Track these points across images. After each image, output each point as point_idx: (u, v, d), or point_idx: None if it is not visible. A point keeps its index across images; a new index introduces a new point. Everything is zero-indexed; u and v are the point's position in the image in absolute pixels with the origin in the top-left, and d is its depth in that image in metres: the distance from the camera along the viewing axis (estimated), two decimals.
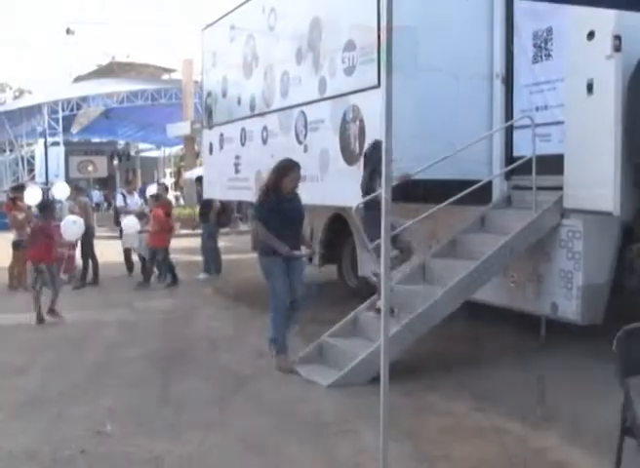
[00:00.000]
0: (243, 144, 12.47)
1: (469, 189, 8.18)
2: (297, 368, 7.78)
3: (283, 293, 8.02)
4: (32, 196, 16.00)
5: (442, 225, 9.05)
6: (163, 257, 14.37)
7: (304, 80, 10.29)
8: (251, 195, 12.37)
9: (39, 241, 11.16)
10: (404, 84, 8.21)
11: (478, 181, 8.54)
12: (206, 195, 15.00)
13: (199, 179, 18.20)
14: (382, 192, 4.80)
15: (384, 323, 4.77)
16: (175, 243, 15.87)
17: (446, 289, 7.69)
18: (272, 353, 8.07)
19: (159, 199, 15.07)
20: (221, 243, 24.21)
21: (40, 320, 10.77)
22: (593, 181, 7.37)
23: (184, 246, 19.94)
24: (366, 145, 8.49)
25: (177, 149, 53.26)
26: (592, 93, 7.28)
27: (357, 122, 9.06)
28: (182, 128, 35.22)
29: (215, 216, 15.74)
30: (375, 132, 8.65)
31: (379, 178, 7.53)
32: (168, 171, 52.27)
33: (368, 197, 7.80)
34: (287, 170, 8.07)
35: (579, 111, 7.58)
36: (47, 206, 12.10)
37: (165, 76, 47.19)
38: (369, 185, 7.93)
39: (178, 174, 42.13)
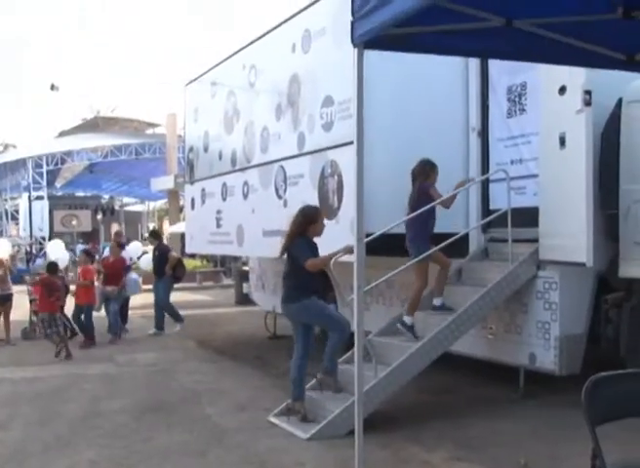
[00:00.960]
0: (224, 199, 12.59)
1: (447, 241, 8.34)
2: (276, 420, 7.80)
3: (344, 319, 7.91)
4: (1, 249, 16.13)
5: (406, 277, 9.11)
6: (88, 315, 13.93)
7: (284, 135, 10.45)
8: (232, 249, 12.49)
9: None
10: (380, 139, 8.46)
11: (454, 234, 8.70)
12: (188, 249, 15.09)
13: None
14: (355, 248, 4.89)
15: (358, 374, 4.84)
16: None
17: (423, 341, 7.77)
18: (324, 377, 8.03)
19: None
20: (206, 297, 24.39)
21: (68, 355, 12.34)
22: (567, 233, 7.51)
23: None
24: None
25: (160, 203, 53.51)
26: (565, 146, 7.45)
27: (335, 177, 9.19)
28: (166, 182, 35.40)
29: (170, 270, 15.17)
30: (353, 186, 8.78)
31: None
32: (152, 225, 52.34)
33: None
34: (316, 216, 8.05)
35: (552, 164, 7.75)
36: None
37: (149, 130, 47.52)
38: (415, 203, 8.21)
39: (160, 228, 42.20)
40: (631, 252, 7.52)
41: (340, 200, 9.09)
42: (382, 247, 7.93)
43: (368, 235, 8.41)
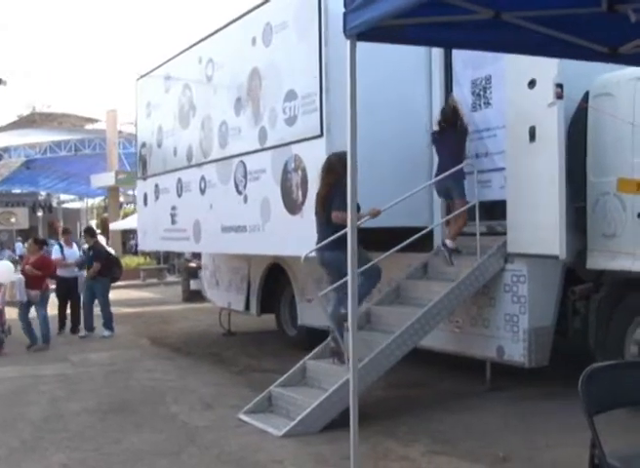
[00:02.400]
0: (179, 195, 12.42)
1: (415, 236, 8.31)
2: (247, 418, 7.70)
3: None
4: None
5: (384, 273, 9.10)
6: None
7: (244, 130, 10.33)
8: (188, 246, 12.33)
9: None
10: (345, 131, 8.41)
11: (420, 228, 8.69)
12: (141, 246, 14.85)
13: None
14: (349, 228, 4.80)
15: (353, 356, 4.78)
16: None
17: (394, 336, 7.73)
18: (336, 346, 7.95)
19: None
20: (152, 294, 24.10)
21: None
22: (539, 226, 7.54)
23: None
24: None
25: (99, 200, 52.70)
26: (535, 140, 7.48)
27: (299, 171, 9.12)
28: (106, 178, 34.92)
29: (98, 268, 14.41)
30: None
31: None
32: (93, 222, 51.54)
33: (321, 243, 7.85)
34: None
35: (521, 158, 7.77)
36: None
37: (88, 126, 46.72)
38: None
39: (103, 225, 41.54)
40: (599, 243, 7.59)
41: (304, 195, 9.01)
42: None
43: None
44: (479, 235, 8.25)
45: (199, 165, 11.66)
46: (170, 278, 28.18)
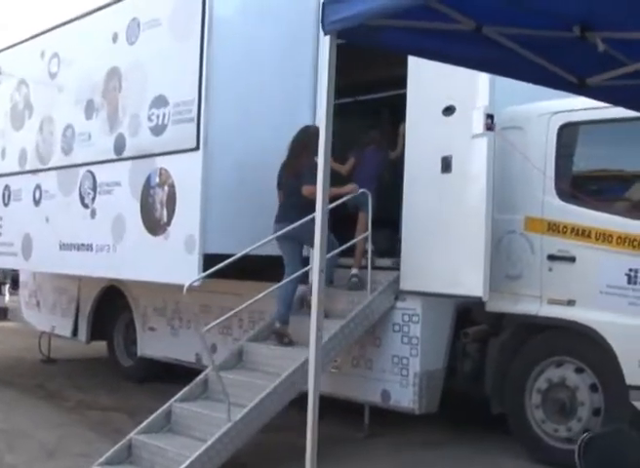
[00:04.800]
0: (6, 204, 10.96)
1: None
2: None
3: None
4: None
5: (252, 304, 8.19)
6: None
7: (95, 136, 9.15)
8: (14, 262, 10.91)
9: None
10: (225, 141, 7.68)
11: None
12: None
13: None
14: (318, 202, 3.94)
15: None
16: None
17: (280, 380, 6.87)
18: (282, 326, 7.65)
19: None
20: None
21: None
22: (450, 264, 6.94)
23: None
24: None
25: None
26: (450, 171, 6.90)
27: (165, 187, 8.09)
28: None
29: None
30: (189, 198, 7.81)
31: None
32: None
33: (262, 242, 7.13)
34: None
35: (426, 189, 7.20)
36: None
37: None
38: None
39: None
40: (502, 285, 7.12)
41: (170, 214, 8.01)
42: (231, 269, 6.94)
43: (213, 256, 7.54)
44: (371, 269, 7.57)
45: (34, 172, 10.29)
46: None
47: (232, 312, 6.88)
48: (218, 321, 6.80)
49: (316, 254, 3.97)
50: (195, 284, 6.89)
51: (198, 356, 9.34)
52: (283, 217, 7.57)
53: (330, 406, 8.21)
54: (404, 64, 7.48)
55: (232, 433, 6.49)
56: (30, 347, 12.80)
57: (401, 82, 7.98)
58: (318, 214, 3.85)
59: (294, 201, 7.53)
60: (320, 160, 3.80)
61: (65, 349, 12.85)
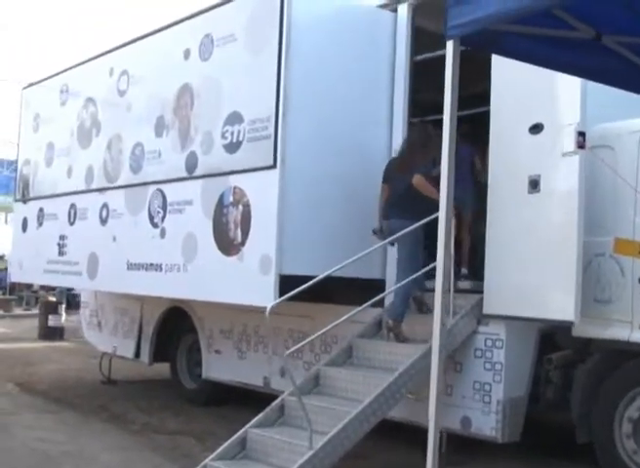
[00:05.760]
0: (72, 223, 10.88)
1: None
2: None
3: None
4: None
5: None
6: None
7: (166, 154, 9.04)
8: (79, 282, 10.80)
9: None
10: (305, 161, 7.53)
11: (375, 280, 7.75)
12: (14, 278, 13.02)
13: None
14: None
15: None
16: None
17: (363, 406, 6.61)
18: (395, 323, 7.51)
19: None
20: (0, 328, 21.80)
21: None
22: (541, 286, 6.66)
23: None
24: None
25: None
26: (538, 190, 6.64)
27: (240, 206, 7.92)
28: None
29: None
30: (265, 217, 7.63)
31: None
32: None
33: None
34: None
35: (512, 210, 6.93)
36: None
37: None
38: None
39: None
40: (590, 309, 6.81)
41: (245, 234, 7.83)
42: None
43: (288, 278, 7.35)
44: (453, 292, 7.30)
45: (101, 190, 10.21)
46: (17, 311, 25.84)
47: (316, 335, 6.69)
48: (300, 344, 6.60)
49: (439, 254, 3.85)
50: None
51: (266, 380, 9.14)
52: (394, 213, 7.52)
53: (405, 432, 8.08)
54: (484, 82, 7.28)
55: (314, 461, 6.24)
56: (88, 368, 12.73)
57: (479, 100, 7.80)
58: (442, 216, 3.72)
59: (403, 196, 7.47)
60: (444, 164, 3.67)
61: (124, 370, 12.72)
